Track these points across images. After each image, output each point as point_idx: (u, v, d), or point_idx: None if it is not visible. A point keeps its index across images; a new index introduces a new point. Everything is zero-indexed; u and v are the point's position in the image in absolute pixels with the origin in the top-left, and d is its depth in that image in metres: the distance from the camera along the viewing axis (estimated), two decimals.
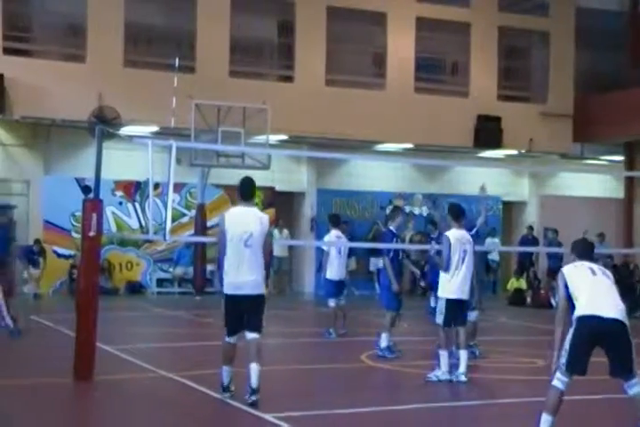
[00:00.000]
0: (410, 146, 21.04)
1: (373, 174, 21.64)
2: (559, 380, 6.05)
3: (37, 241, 18.02)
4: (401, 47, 20.83)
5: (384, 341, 10.29)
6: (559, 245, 20.20)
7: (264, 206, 20.43)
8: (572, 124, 22.10)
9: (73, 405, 7.84)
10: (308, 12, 20.02)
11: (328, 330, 12.09)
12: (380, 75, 21.05)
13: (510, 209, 23.65)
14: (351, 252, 19.58)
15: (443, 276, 8.89)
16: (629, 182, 23.10)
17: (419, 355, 10.49)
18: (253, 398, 7.10)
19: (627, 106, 20.69)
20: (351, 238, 18.73)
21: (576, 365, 5.98)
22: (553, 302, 19.55)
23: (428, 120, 20.39)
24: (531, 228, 21.24)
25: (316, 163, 21.10)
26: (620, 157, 23.44)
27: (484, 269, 20.80)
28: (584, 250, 6.66)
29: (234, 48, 19.51)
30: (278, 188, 20.62)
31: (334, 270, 12.27)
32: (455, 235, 8.94)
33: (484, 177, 21.16)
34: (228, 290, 7.35)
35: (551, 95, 22.25)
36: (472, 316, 10.24)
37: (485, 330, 11.74)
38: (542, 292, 19.51)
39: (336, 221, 12.71)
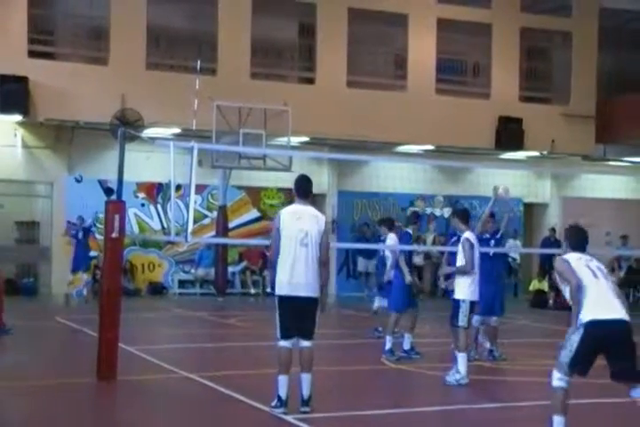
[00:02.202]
0: (431, 147, 21.01)
1: (394, 176, 21.63)
2: (561, 380, 5.96)
3: None
4: (422, 48, 20.81)
5: (388, 343, 10.30)
6: None
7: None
8: (594, 126, 21.97)
9: (96, 405, 7.90)
10: (329, 14, 20.05)
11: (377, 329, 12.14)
12: (401, 76, 21.04)
13: (532, 211, 23.55)
14: (371, 254, 19.71)
15: (464, 278, 8.88)
16: None
17: (440, 357, 10.46)
18: (306, 408, 6.98)
19: None
20: (373, 240, 18.83)
21: (580, 366, 5.96)
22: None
23: (449, 122, 20.35)
24: (553, 229, 21.13)
25: (337, 164, 21.12)
26: None
27: (507, 270, 20.80)
28: (579, 241, 6.49)
29: (255, 50, 19.57)
30: None
31: None
32: (473, 237, 8.96)
33: (505, 179, 21.20)
34: (282, 291, 7.06)
35: (573, 96, 22.13)
36: (492, 320, 10.36)
37: (506, 332, 11.70)
38: None
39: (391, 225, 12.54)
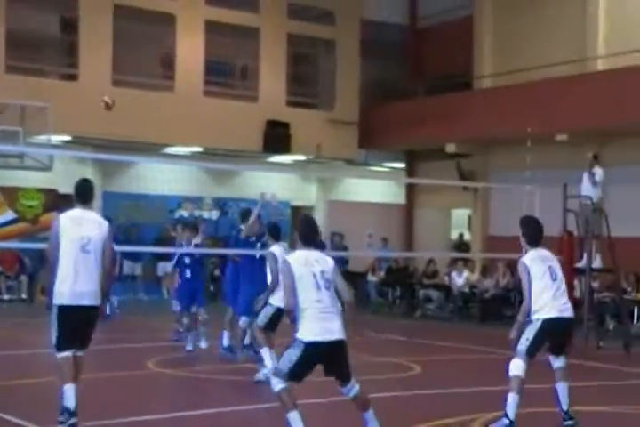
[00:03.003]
0: (199, 149, 20.85)
1: (162, 178, 21.23)
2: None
3: None
4: (190, 50, 20.59)
5: (226, 339, 10.61)
6: (345, 249, 20.78)
7: (45, 210, 19.52)
8: (357, 132, 22.82)
9: None
10: (93, 9, 19.29)
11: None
12: (169, 77, 20.70)
13: (299, 213, 23.99)
14: (137, 257, 19.22)
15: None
16: (410, 189, 24.18)
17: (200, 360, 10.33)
18: (73, 420, 6.52)
19: (407, 116, 21.64)
20: (140, 242, 18.36)
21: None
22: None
23: (217, 124, 20.28)
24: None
25: (102, 165, 20.38)
26: (401, 164, 24.48)
27: None
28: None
29: (11, 42, 18.43)
30: (61, 190, 19.69)
31: None
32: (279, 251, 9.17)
33: (273, 182, 21.50)
34: (62, 300, 6.60)
35: (338, 103, 22.85)
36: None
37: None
38: None
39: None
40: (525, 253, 7.36)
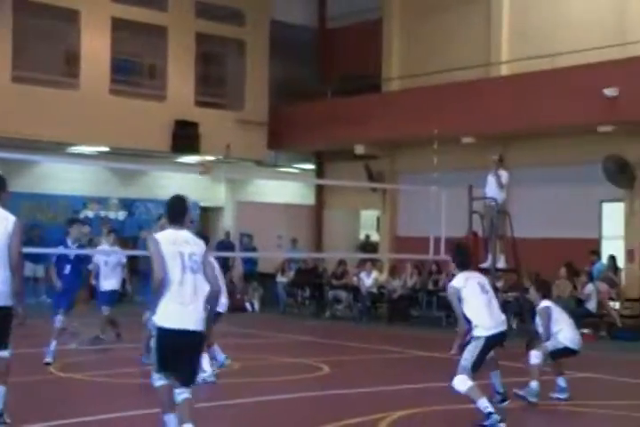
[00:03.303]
0: (105, 149, 20.42)
1: (66, 177, 20.69)
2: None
3: None
4: (95, 47, 20.15)
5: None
6: (254, 250, 20.72)
7: None
8: (267, 132, 22.76)
9: None
10: None
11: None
12: (73, 74, 20.20)
13: (207, 214, 23.81)
14: (39, 259, 18.67)
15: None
16: (319, 190, 24.27)
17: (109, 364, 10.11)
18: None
19: (316, 117, 21.71)
20: (42, 243, 17.84)
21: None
22: (248, 306, 20.00)
23: (124, 123, 19.91)
24: (227, 233, 21.54)
25: (3, 164, 19.64)
26: (310, 166, 24.55)
27: None
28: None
29: None
30: None
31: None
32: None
33: (181, 182, 21.22)
34: None
35: (247, 103, 22.75)
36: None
37: None
38: (238, 296, 19.84)
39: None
40: (453, 277, 7.84)
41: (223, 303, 9.10)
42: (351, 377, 10.13)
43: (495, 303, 7.71)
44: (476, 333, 7.46)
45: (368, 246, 22.69)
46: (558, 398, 8.65)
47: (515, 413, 7.84)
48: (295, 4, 24.58)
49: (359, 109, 20.73)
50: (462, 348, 7.52)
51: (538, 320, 8.84)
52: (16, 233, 6.58)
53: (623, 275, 16.99)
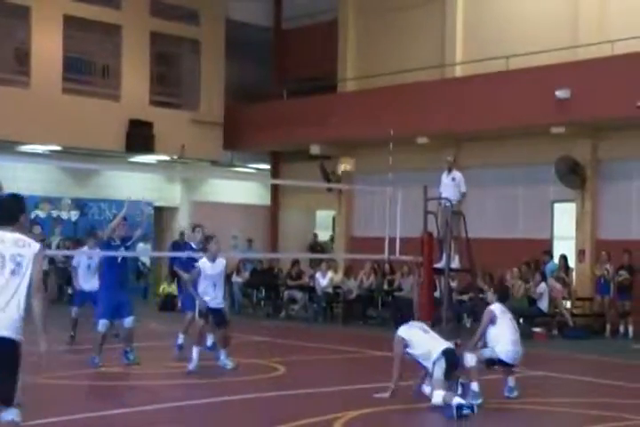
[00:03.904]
0: (57, 148, 20.15)
1: (17, 176, 20.29)
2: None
3: None
4: (47, 45, 19.87)
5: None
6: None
7: None
8: (222, 133, 22.66)
9: None
10: None
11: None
12: (24, 72, 19.90)
13: (162, 214, 23.63)
14: None
15: None
16: (275, 190, 24.23)
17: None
18: None
19: (272, 117, 21.67)
20: None
21: None
22: None
23: (76, 122, 19.66)
24: (182, 233, 21.36)
25: None
26: (266, 166, 24.49)
27: (136, 274, 20.61)
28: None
29: None
30: None
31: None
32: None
33: (136, 182, 21.04)
34: None
35: (203, 103, 22.63)
36: (126, 322, 10.44)
37: (137, 336, 11.54)
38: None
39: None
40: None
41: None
42: (307, 377, 10.13)
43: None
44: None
45: (317, 246, 22.67)
46: (508, 397, 8.74)
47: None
48: (251, 4, 24.51)
49: (315, 110, 20.74)
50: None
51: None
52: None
53: (574, 275, 17.24)
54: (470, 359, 8.43)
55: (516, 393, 8.74)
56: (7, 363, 4.93)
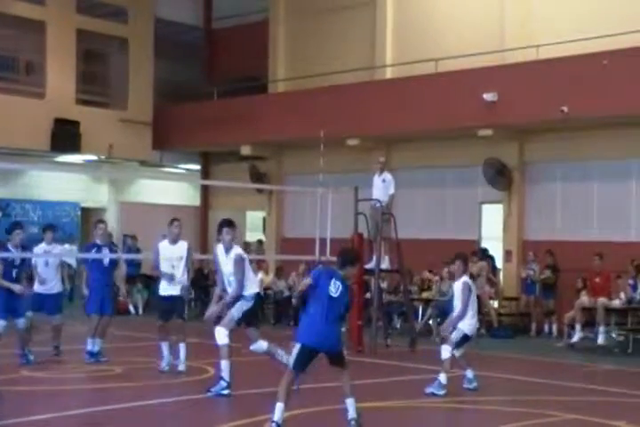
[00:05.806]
0: None
1: None
2: None
3: None
4: None
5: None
6: (138, 251, 20.31)
7: None
8: (151, 132, 22.38)
9: None
10: None
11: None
12: None
13: (89, 215, 23.18)
14: None
15: None
16: (205, 190, 24.04)
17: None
18: None
19: (202, 117, 21.48)
20: None
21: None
22: (131, 308, 19.61)
23: (0, 121, 19.17)
24: (110, 234, 20.98)
25: None
26: (196, 166, 24.28)
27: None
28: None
29: None
30: None
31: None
32: None
33: (61, 182, 20.62)
34: None
35: (131, 102, 22.32)
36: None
37: (63, 337, 11.37)
38: (121, 299, 19.38)
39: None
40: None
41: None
42: (238, 379, 10.05)
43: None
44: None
45: (246, 248, 22.48)
46: (469, 389, 9.15)
47: (370, 411, 7.88)
48: (180, 3, 24.31)
49: (246, 110, 20.64)
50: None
51: (457, 294, 9.10)
52: None
53: (501, 275, 17.53)
54: (446, 350, 8.80)
55: (475, 384, 9.09)
56: None
